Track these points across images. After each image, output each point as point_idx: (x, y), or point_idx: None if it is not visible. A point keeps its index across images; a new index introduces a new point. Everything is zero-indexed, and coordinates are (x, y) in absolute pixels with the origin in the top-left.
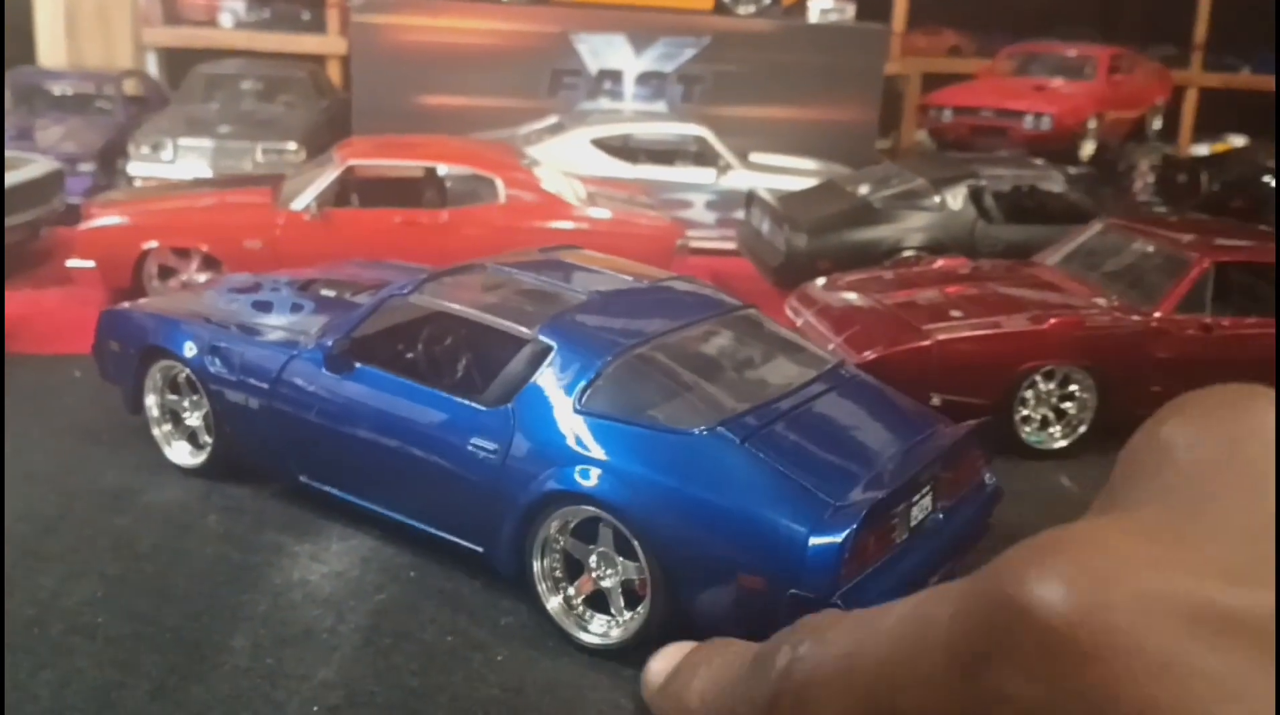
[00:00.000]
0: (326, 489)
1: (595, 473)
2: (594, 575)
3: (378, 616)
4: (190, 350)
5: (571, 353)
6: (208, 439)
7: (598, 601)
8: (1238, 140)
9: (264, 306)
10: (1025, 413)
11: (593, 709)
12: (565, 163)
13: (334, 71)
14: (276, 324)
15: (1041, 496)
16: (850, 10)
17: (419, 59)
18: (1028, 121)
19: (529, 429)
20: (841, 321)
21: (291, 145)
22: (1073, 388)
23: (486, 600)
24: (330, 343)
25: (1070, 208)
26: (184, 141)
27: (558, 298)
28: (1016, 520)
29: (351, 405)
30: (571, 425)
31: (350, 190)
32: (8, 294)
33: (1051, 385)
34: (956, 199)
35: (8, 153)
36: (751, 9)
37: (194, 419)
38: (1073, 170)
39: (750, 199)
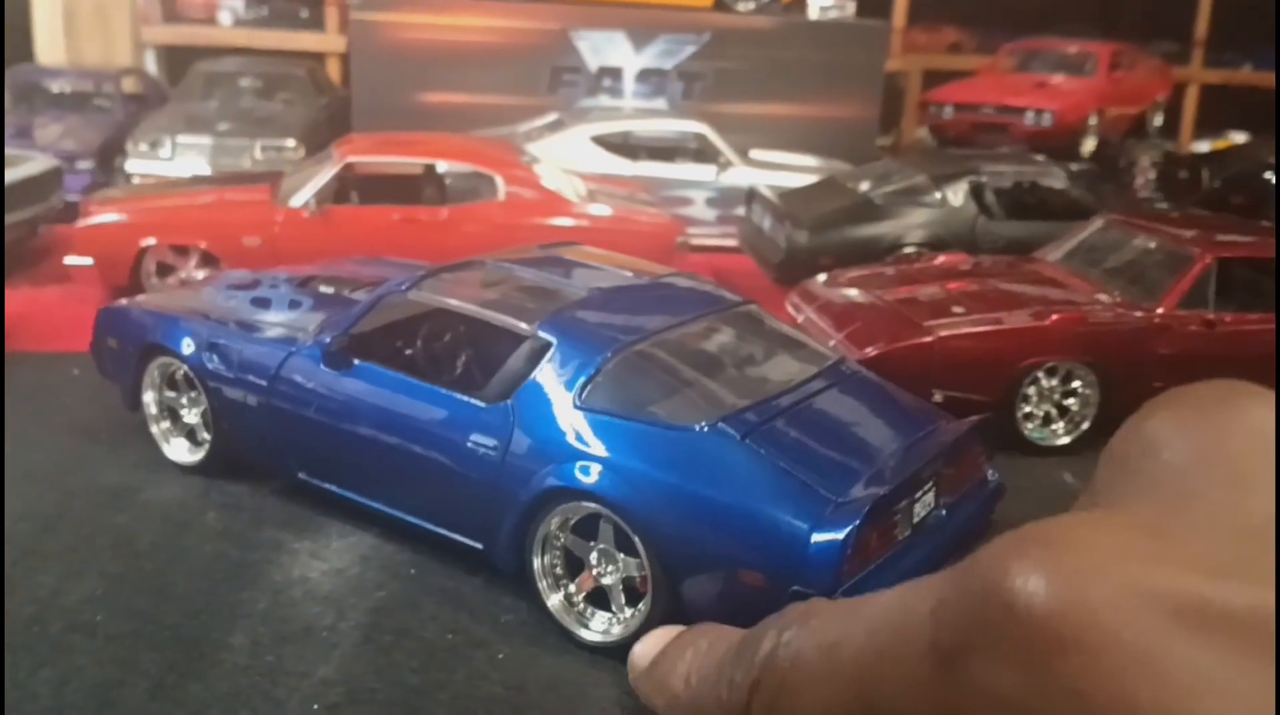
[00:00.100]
0: (325, 486)
1: (595, 469)
2: (595, 572)
3: (378, 614)
4: (189, 347)
5: (571, 349)
6: (206, 436)
7: (599, 598)
8: (1239, 137)
9: (262, 303)
10: (1027, 409)
11: (594, 706)
12: (565, 160)
13: (333, 69)
14: (275, 321)
15: (1044, 493)
16: (850, 7)
17: (418, 56)
18: (1029, 118)
19: (529, 425)
20: (843, 318)
21: (290, 142)
22: (1075, 384)
23: (487, 597)
24: (329, 339)
25: (1071, 204)
26: (183, 139)
27: (557, 294)
28: (1019, 517)
29: (350, 402)
30: (572, 421)
31: (349, 187)
32: (6, 292)
33: (1054, 382)
34: (958, 195)
35: (6, 150)
36: (751, 6)
37: (192, 416)
38: (1074, 167)
39: (751, 196)
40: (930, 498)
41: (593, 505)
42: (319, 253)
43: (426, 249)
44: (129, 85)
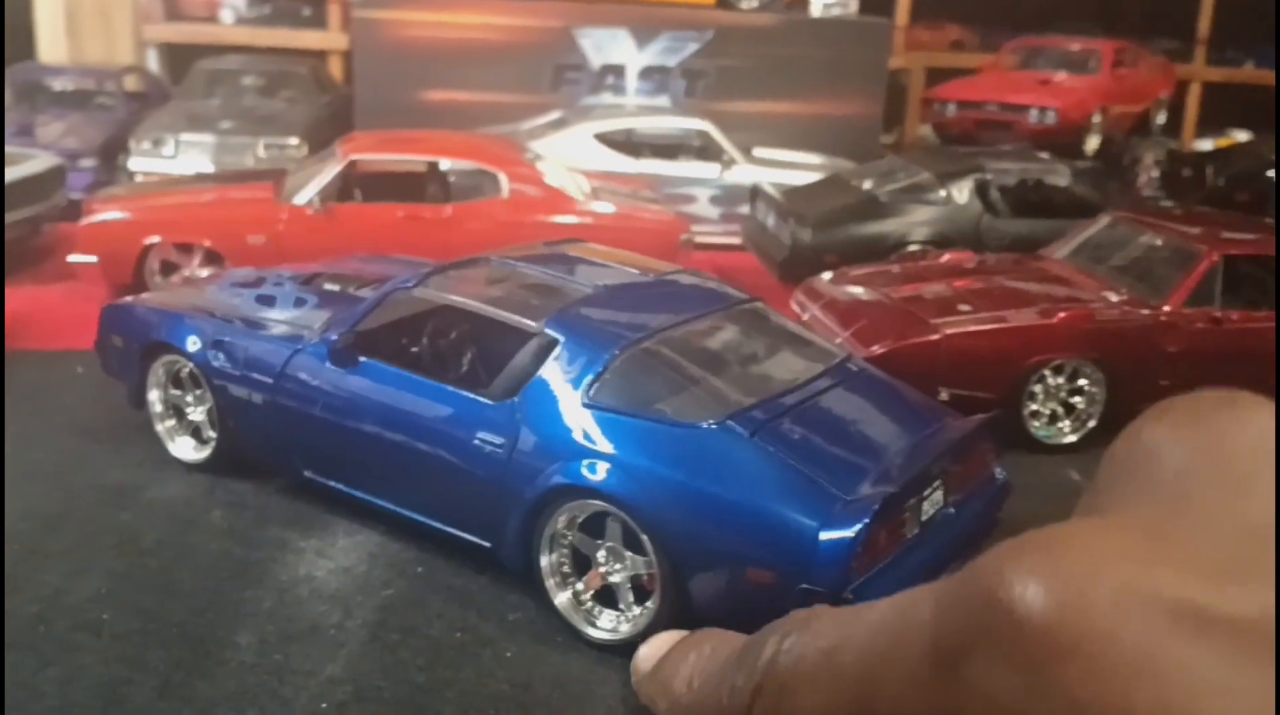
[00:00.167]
0: (331, 484)
1: (603, 467)
2: (602, 570)
3: (385, 612)
4: (194, 345)
5: (578, 346)
6: (211, 434)
7: (606, 597)
8: (1241, 135)
9: (267, 301)
10: (1034, 407)
11: (601, 705)
12: (568, 158)
13: (335, 67)
14: (280, 318)
15: (1051, 491)
16: (853, 4)
17: (421, 54)
18: (1032, 115)
19: (535, 423)
20: (848, 316)
21: (293, 140)
22: (1082, 382)
23: (494, 595)
24: (334, 337)
25: (1076, 201)
26: (185, 137)
27: (563, 291)
28: (1026, 515)
29: (356, 400)
30: (578, 419)
31: (353, 185)
32: (9, 290)
33: (1060, 379)
34: (962, 193)
35: (8, 148)
36: (754, 3)
37: (197, 414)
38: (1078, 164)
39: (755, 193)
40: (938, 495)
41: (600, 503)
42: (323, 250)
43: (430, 246)
44: (131, 83)
